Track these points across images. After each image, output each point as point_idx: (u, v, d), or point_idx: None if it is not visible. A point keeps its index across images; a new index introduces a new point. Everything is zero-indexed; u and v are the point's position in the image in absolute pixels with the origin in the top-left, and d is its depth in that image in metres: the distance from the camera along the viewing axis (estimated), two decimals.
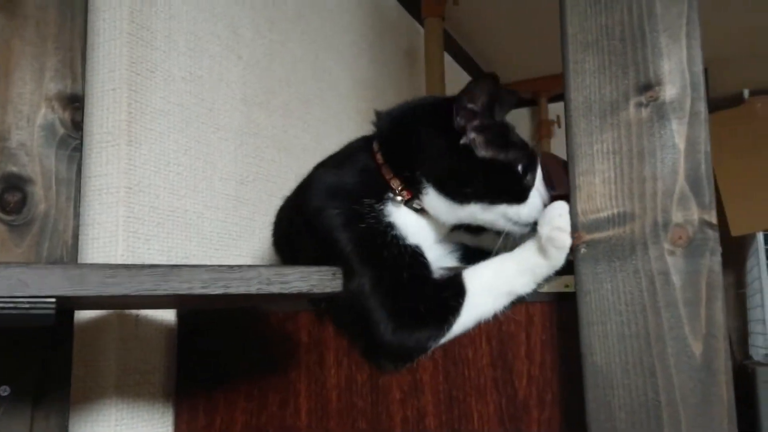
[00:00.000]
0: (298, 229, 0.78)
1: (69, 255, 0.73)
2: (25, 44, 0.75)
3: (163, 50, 0.91)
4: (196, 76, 0.97)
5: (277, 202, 0.87)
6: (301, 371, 0.79)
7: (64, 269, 0.48)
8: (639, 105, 0.63)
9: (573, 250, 0.64)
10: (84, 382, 0.79)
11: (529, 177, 0.73)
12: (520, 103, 2.72)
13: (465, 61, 2.24)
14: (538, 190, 0.73)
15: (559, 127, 2.57)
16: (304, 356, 0.79)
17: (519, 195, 0.72)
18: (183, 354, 0.86)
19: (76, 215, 0.74)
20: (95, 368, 0.79)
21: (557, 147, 2.51)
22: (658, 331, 0.60)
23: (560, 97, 2.59)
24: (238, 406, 0.82)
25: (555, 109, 2.60)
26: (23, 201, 0.72)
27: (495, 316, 0.70)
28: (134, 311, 0.82)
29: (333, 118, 1.39)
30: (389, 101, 1.64)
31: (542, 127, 2.56)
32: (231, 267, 0.55)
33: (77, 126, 0.76)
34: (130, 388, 0.81)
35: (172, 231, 0.89)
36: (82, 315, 0.80)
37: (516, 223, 0.72)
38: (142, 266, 0.51)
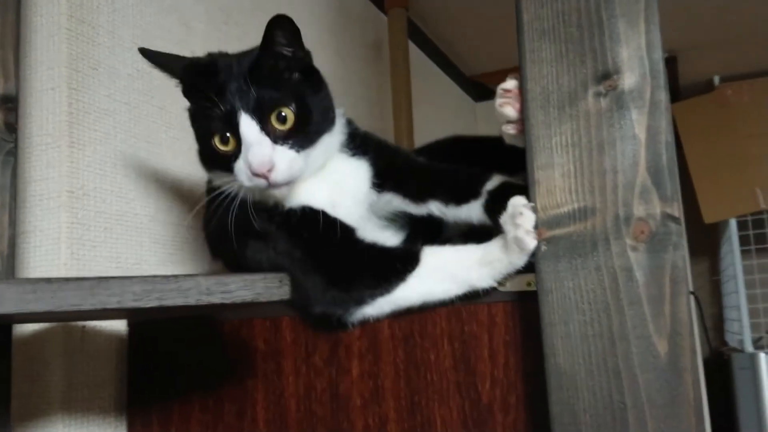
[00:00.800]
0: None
1: (5, 266, 0.69)
2: None
3: (106, 46, 0.86)
4: (144, 72, 0.93)
5: None
6: (258, 380, 0.76)
7: None
8: (597, 95, 0.60)
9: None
10: (29, 398, 0.74)
11: (220, 145, 0.67)
12: (492, 95, 2.70)
13: (432, 51, 2.21)
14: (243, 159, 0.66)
15: None
16: (260, 364, 0.76)
17: (220, 163, 0.68)
18: (135, 365, 0.82)
19: (12, 223, 0.70)
20: (40, 384, 0.75)
21: None
22: (622, 330, 0.58)
23: None
24: (193, 417, 0.78)
25: None
26: None
27: (447, 305, 0.67)
28: (80, 322, 0.78)
29: None
30: (356, 94, 1.62)
31: None
32: (167, 277, 0.51)
33: (11, 128, 0.72)
34: (79, 403, 0.77)
35: (122, 236, 0.85)
36: (24, 328, 0.75)
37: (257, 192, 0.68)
38: (67, 280, 0.47)
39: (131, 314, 0.67)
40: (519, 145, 0.64)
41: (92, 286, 0.48)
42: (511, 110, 0.65)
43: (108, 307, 0.48)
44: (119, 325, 0.83)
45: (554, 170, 0.61)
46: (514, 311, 0.66)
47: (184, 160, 0.98)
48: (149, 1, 0.95)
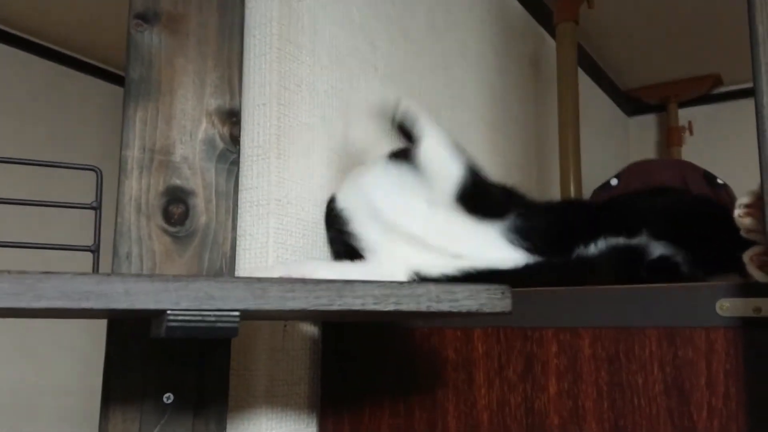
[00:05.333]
0: None
1: (228, 266, 0.75)
2: (188, 61, 0.78)
3: (308, 64, 0.92)
4: (337, 89, 0.98)
5: None
6: (448, 389, 0.77)
7: (247, 283, 0.48)
8: None
9: None
10: (236, 391, 0.80)
11: None
12: (646, 110, 2.58)
13: (586, 63, 2.15)
14: None
15: (691, 134, 2.41)
16: (451, 374, 0.77)
17: None
18: (327, 366, 0.86)
19: (234, 228, 0.76)
20: (246, 378, 0.81)
21: (689, 156, 2.36)
22: None
23: (692, 102, 2.44)
24: (383, 421, 0.80)
25: (685, 114, 2.45)
26: (186, 213, 0.75)
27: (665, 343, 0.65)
28: (282, 322, 0.83)
29: (460, 128, 1.37)
30: (515, 109, 1.61)
31: (672, 135, 2.41)
32: (401, 283, 0.53)
33: (235, 140, 0.78)
34: (279, 399, 0.82)
35: (316, 242, 0.90)
36: None
37: None
38: (318, 281, 0.50)
39: (352, 317, 0.70)
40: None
41: (340, 288, 0.51)
42: (751, 221, 0.62)
43: (352, 308, 0.51)
44: (313, 327, 0.87)
45: None
46: (737, 339, 0.62)
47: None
48: (341, 22, 1.01)
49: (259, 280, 0.49)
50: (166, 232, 0.73)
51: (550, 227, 0.87)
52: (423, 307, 0.53)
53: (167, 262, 0.73)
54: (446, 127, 1.29)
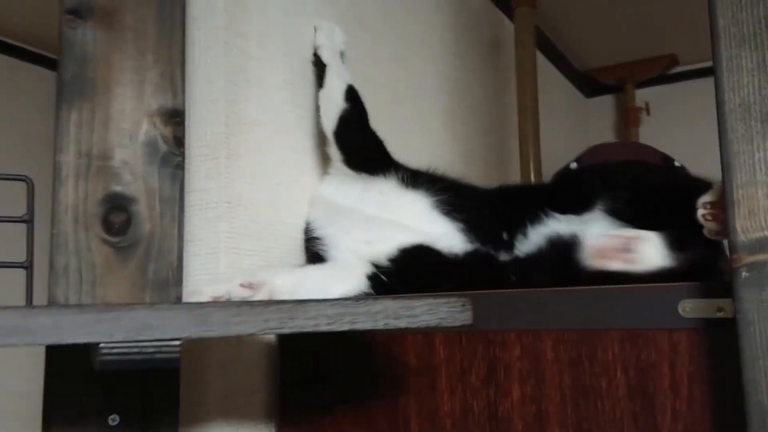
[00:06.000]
0: None
1: (174, 276, 0.71)
2: (125, 58, 0.73)
3: (257, 58, 0.88)
4: (288, 82, 0.93)
5: None
6: (410, 396, 0.75)
7: (188, 310, 0.45)
8: None
9: (732, 273, 0.56)
10: (188, 404, 0.76)
11: None
12: (604, 90, 2.59)
13: (543, 45, 2.13)
14: None
15: (648, 114, 2.43)
16: (413, 380, 0.75)
17: None
18: (285, 375, 0.83)
19: (181, 236, 0.72)
20: (199, 390, 0.77)
21: (646, 136, 2.38)
22: None
23: (648, 82, 2.46)
24: (345, 430, 0.78)
25: (642, 95, 2.46)
26: (128, 222, 0.70)
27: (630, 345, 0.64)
28: None
29: (420, 116, 1.34)
30: (476, 95, 1.59)
31: (629, 115, 2.42)
32: (357, 301, 0.50)
33: (179, 142, 0.74)
34: (234, 409, 0.79)
35: (272, 245, 0.86)
36: None
37: None
38: (268, 303, 0.47)
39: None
40: None
41: (291, 309, 0.48)
42: (715, 224, 0.62)
43: (305, 330, 0.48)
44: (271, 335, 0.84)
45: (757, 189, 0.56)
46: (701, 340, 0.61)
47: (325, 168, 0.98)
48: (293, 11, 0.96)
49: (201, 305, 0.45)
50: (106, 242, 0.68)
51: (485, 204, 0.87)
52: (380, 325, 0.51)
53: (109, 274, 0.68)
54: (406, 115, 1.26)
